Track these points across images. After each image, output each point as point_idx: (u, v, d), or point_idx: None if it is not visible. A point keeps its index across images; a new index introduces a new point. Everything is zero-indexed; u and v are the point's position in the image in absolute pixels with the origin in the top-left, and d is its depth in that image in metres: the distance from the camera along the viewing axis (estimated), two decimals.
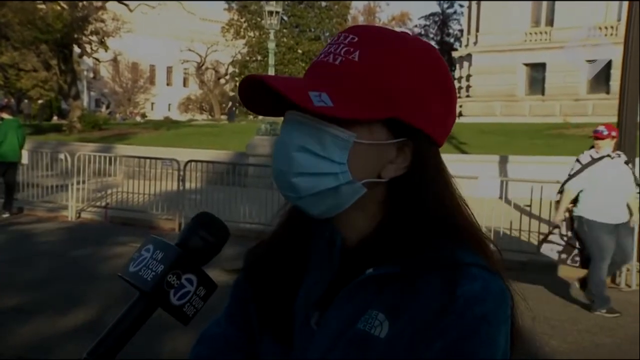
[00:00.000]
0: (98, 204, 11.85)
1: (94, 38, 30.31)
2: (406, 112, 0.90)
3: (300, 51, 45.78)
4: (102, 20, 30.44)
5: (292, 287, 0.99)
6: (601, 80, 31.99)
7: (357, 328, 0.89)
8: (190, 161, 11.45)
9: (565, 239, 6.47)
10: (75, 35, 27.83)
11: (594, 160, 6.29)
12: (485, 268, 0.88)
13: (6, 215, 11.09)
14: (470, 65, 38.76)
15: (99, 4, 29.72)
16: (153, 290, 0.77)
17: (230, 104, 38.01)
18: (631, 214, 6.39)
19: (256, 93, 0.93)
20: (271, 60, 16.58)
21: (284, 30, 44.00)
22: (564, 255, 6.53)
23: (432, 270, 0.87)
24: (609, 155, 6.26)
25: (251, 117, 43.23)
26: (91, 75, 57.52)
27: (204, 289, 0.80)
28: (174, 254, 0.79)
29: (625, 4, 9.06)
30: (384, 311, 0.88)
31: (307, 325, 0.96)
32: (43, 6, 26.16)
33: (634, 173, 6.53)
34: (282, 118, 0.96)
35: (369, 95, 0.88)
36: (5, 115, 11.57)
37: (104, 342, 0.77)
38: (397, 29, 1.05)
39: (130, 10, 30.84)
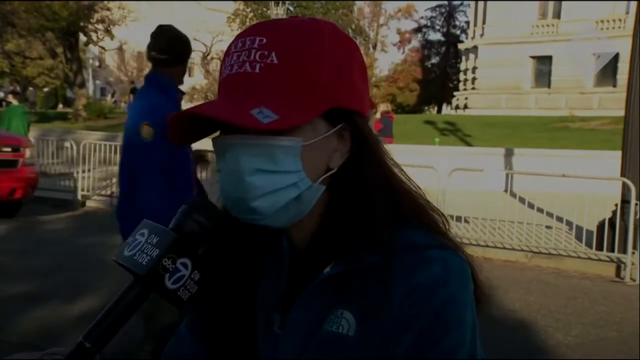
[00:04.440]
0: (103, 192, 11.85)
1: (100, 26, 30.29)
2: (343, 98, 0.87)
3: None
4: (108, 9, 30.43)
5: (247, 293, 0.97)
6: (608, 73, 31.87)
7: (324, 329, 0.86)
8: (195, 150, 11.42)
9: None
10: (81, 24, 27.84)
11: None
12: (441, 247, 0.85)
13: None
14: (476, 57, 38.66)
15: None
16: (148, 274, 0.76)
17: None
18: None
19: (182, 124, 0.90)
20: None
21: None
22: None
23: (389, 259, 0.84)
24: None
25: None
26: (97, 63, 57.43)
27: (198, 272, 0.79)
28: (169, 238, 0.78)
29: None
30: (349, 309, 0.86)
31: (270, 330, 0.94)
32: None
33: None
34: None
35: (304, 94, 0.84)
36: (14, 101, 11.76)
37: (99, 325, 0.78)
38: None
39: None
